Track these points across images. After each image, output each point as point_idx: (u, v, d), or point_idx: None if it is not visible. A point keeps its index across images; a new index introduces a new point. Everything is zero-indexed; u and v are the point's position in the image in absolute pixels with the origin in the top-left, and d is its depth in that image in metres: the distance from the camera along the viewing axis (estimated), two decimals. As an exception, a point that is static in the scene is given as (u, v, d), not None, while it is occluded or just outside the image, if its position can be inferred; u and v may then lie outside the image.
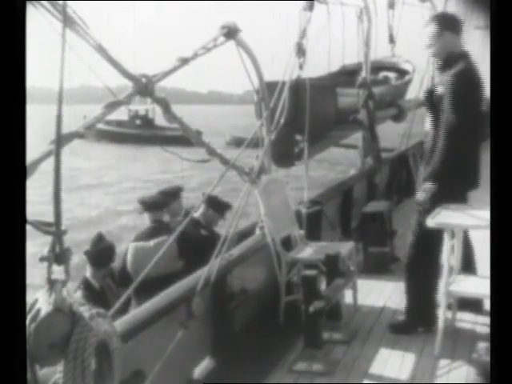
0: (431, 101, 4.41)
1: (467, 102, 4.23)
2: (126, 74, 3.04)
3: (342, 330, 4.53)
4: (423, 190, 4.34)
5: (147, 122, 43.21)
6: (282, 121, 5.11)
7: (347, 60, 9.04)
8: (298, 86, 6.07)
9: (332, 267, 4.62)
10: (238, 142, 29.56)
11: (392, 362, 4.09)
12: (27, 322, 1.63)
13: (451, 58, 4.28)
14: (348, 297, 4.98)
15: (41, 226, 1.74)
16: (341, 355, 4.25)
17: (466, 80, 4.23)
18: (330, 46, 7.30)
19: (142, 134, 40.14)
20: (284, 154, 6.02)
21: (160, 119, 38.59)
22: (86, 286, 4.74)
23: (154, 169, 28.72)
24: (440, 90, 4.30)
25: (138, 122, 43.08)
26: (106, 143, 38.78)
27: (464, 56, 4.32)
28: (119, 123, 40.76)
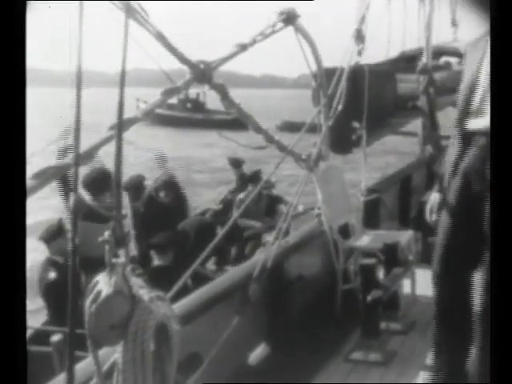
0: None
1: None
2: (184, 60, 3.05)
3: (399, 320, 4.47)
4: None
5: (198, 105, 42.74)
6: (340, 107, 5.04)
7: (407, 46, 8.82)
8: (356, 73, 5.96)
9: (390, 256, 4.55)
10: (288, 127, 29.27)
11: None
12: (88, 303, 1.67)
13: None
14: (406, 287, 4.89)
15: (102, 210, 1.77)
16: (398, 346, 4.19)
17: None
18: (390, 32, 7.14)
19: (192, 117, 40.01)
20: (342, 141, 5.95)
21: (210, 103, 38.33)
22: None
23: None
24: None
25: (188, 105, 42.94)
26: (160, 127, 38.05)
27: None
28: (169, 106, 39.38)
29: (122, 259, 1.72)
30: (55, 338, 3.84)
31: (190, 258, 4.95)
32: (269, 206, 7.82)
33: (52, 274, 4.85)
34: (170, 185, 7.18)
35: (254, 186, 7.64)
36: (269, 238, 6.93)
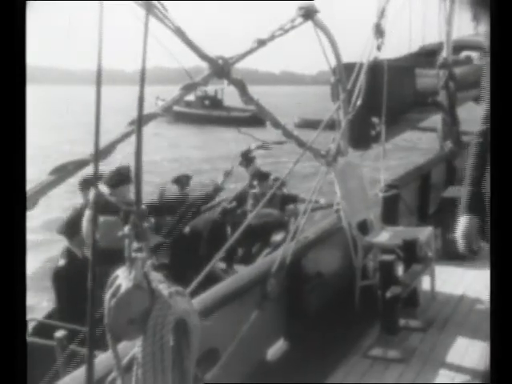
0: None
1: None
2: (203, 56, 3.05)
3: (418, 317, 4.44)
4: None
5: (216, 102, 42.41)
6: (359, 103, 5.01)
7: (427, 40, 8.74)
8: (375, 68, 5.92)
9: (409, 253, 4.52)
10: (306, 124, 29.19)
11: (471, 351, 3.97)
12: (107, 297, 1.67)
13: None
14: (425, 284, 4.86)
15: (122, 205, 1.77)
16: (417, 343, 4.16)
17: None
18: (410, 26, 7.08)
19: (210, 114, 39.92)
20: (361, 136, 5.91)
21: (228, 100, 38.13)
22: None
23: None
24: None
25: (206, 102, 42.46)
26: (179, 124, 37.74)
27: None
28: (187, 103, 39.32)
29: (142, 254, 1.73)
30: (59, 333, 3.81)
31: (204, 256, 4.97)
32: (281, 205, 7.84)
33: (61, 261, 4.83)
34: (185, 177, 7.22)
35: (259, 182, 7.70)
36: (278, 237, 6.97)
